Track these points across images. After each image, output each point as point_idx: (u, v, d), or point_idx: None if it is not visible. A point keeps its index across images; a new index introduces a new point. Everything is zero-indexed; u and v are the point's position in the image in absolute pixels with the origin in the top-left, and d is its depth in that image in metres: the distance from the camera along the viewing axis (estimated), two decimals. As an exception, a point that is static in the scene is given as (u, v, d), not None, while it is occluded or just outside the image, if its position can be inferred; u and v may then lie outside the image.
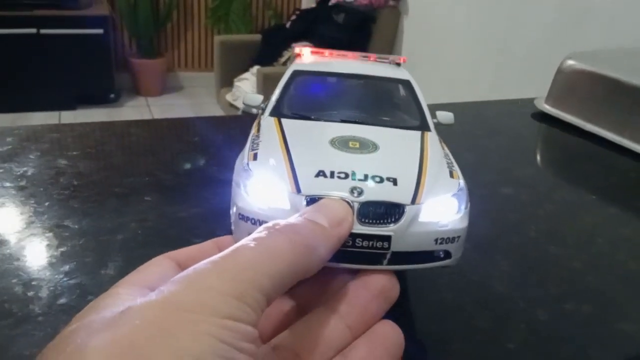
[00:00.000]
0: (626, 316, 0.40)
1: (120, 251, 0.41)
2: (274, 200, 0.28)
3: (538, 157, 0.72)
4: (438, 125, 0.37)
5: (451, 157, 0.33)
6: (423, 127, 0.35)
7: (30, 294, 0.36)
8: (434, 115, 0.38)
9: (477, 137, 0.72)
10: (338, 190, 0.27)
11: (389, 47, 2.73)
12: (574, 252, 0.48)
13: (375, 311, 0.27)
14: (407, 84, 0.39)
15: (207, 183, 0.52)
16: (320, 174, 0.28)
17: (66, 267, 0.39)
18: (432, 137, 0.34)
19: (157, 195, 0.49)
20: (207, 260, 0.22)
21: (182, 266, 0.27)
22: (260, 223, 0.28)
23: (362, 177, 0.28)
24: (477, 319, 0.38)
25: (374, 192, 0.27)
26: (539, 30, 1.86)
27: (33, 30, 3.02)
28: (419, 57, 2.54)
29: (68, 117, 3.19)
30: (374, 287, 0.27)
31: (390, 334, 0.27)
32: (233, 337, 0.20)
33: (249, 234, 0.25)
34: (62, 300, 0.36)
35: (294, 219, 0.26)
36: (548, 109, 0.79)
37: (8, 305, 0.35)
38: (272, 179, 0.28)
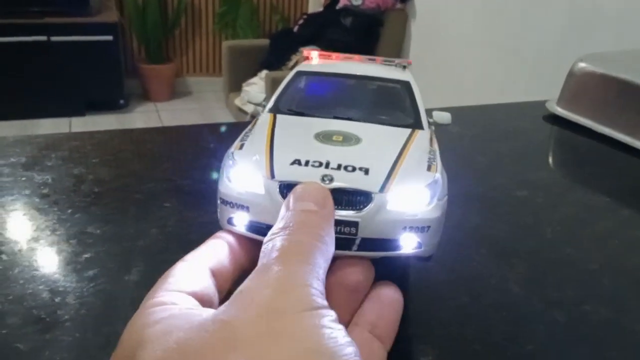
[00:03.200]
0: (644, 318, 0.40)
1: (142, 257, 0.42)
2: (250, 186, 0.30)
3: (551, 160, 0.72)
4: (436, 126, 0.38)
5: (437, 154, 0.33)
6: (415, 125, 0.36)
7: (57, 300, 0.37)
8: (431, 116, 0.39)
9: (489, 141, 0.73)
10: (310, 177, 0.29)
11: (397, 50, 2.74)
12: (590, 254, 0.48)
13: (353, 305, 0.28)
14: (406, 84, 0.40)
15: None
16: (296, 162, 0.30)
17: (90, 273, 0.40)
18: (421, 134, 0.35)
19: (176, 201, 0.50)
20: (272, 260, 0.24)
21: (212, 270, 0.28)
22: (238, 207, 0.30)
23: (336, 167, 0.29)
24: (496, 320, 0.38)
25: (343, 179, 0.29)
26: (549, 33, 1.86)
27: (43, 38, 3.06)
28: (427, 60, 2.54)
29: (78, 123, 3.22)
30: (349, 284, 0.28)
31: (390, 293, 0.29)
32: (330, 320, 0.22)
33: (230, 217, 0.30)
34: (88, 306, 0.37)
35: (285, 218, 0.26)
36: (560, 111, 0.80)
37: (37, 312, 0.36)
38: (251, 166, 0.30)
